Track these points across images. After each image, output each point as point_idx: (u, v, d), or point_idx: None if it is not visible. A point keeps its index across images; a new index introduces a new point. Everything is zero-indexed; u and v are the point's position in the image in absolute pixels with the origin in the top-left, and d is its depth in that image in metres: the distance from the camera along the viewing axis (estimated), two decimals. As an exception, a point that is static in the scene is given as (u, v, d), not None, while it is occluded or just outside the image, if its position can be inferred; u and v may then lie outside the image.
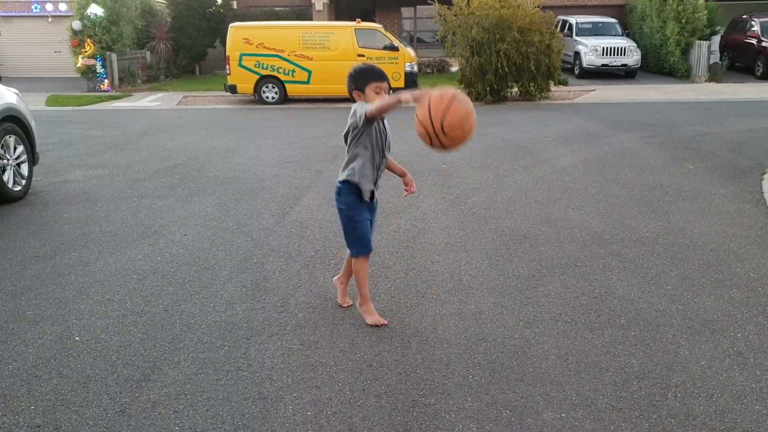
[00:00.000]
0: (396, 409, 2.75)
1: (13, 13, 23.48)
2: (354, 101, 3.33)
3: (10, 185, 6.26)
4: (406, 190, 3.58)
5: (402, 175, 3.61)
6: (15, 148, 6.46)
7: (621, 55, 19.67)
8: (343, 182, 3.44)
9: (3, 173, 6.19)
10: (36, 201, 6.41)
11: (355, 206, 3.43)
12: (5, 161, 6.25)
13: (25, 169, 6.59)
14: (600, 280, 4.18)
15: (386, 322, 3.51)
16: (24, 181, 6.53)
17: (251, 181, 7.20)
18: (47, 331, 3.49)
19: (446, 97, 2.87)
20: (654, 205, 5.98)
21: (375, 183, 3.43)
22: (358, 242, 3.46)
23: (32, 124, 6.84)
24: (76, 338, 3.39)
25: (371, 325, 3.48)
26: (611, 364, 3.10)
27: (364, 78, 3.29)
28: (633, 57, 19.74)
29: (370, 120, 3.21)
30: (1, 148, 6.21)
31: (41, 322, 3.60)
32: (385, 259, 4.58)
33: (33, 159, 6.79)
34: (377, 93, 3.26)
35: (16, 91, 6.81)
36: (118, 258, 4.68)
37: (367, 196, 3.41)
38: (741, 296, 3.90)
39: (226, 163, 8.25)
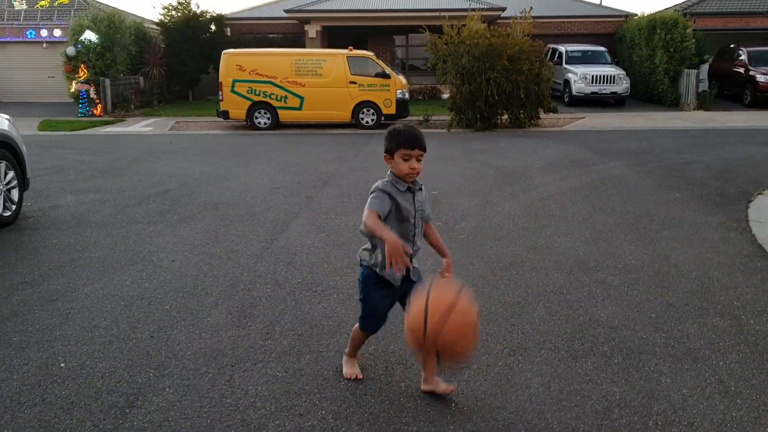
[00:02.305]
0: (379, 437, 2.76)
1: (8, 39, 23.64)
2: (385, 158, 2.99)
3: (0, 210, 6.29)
4: (441, 273, 3.10)
5: (442, 255, 3.18)
6: (6, 174, 6.48)
7: (610, 83, 19.97)
8: (364, 265, 3.07)
9: (-7, 198, 6.21)
10: (26, 226, 6.41)
11: (372, 282, 3.05)
12: (-4, 187, 6.28)
13: (15, 194, 6.61)
14: (584, 307, 4.21)
15: (361, 376, 3.25)
16: (14, 207, 6.54)
17: (241, 206, 7.24)
18: (33, 357, 3.48)
19: (447, 297, 2.66)
20: (640, 233, 6.04)
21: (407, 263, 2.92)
22: (366, 318, 3.16)
23: (23, 149, 6.87)
24: (62, 365, 3.39)
25: (345, 377, 3.25)
26: (593, 392, 3.12)
27: (394, 141, 2.93)
28: (622, 85, 20.04)
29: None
30: (-8, 173, 6.24)
31: (27, 348, 3.60)
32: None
33: (24, 184, 6.81)
34: (406, 160, 2.90)
35: (8, 116, 6.85)
36: (105, 284, 4.69)
37: (396, 282, 3.04)
38: (724, 324, 3.94)
39: (216, 189, 8.28)
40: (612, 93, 20.03)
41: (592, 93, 19.95)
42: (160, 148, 12.64)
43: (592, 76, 19.93)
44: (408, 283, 3.06)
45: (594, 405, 3.01)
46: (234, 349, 3.57)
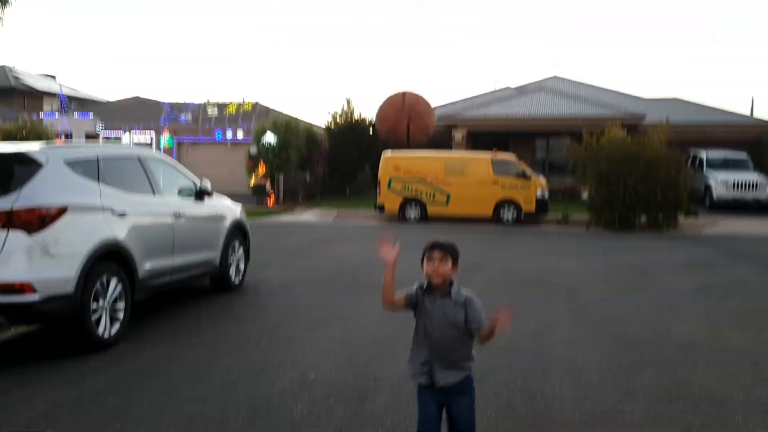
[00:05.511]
0: None
1: (200, 140, 28.02)
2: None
3: (232, 278, 8.41)
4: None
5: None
6: (239, 249, 8.66)
7: (753, 189, 20.21)
8: None
9: (229, 270, 8.35)
10: (249, 291, 8.51)
11: (420, 388, 3.39)
12: (232, 259, 8.43)
13: (242, 265, 8.76)
14: (686, 375, 5.38)
15: None
16: (242, 275, 8.69)
17: (414, 283, 8.90)
18: (289, 373, 5.25)
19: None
20: (750, 324, 7.01)
21: (431, 373, 3.30)
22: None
23: (249, 231, 9.09)
24: (312, 376, 5.13)
25: None
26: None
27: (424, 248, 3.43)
28: (765, 191, 20.18)
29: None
30: (231, 248, 8.41)
31: (284, 367, 5.40)
32: (517, 347, 6.02)
33: (248, 259, 8.98)
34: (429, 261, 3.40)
35: (240, 205, 9.13)
36: (321, 333, 6.50)
37: (420, 383, 3.37)
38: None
39: (385, 271, 10.07)
40: (754, 199, 20.20)
41: (734, 199, 20.23)
42: (330, 234, 14.90)
43: (734, 182, 20.29)
44: (445, 393, 3.31)
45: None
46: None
